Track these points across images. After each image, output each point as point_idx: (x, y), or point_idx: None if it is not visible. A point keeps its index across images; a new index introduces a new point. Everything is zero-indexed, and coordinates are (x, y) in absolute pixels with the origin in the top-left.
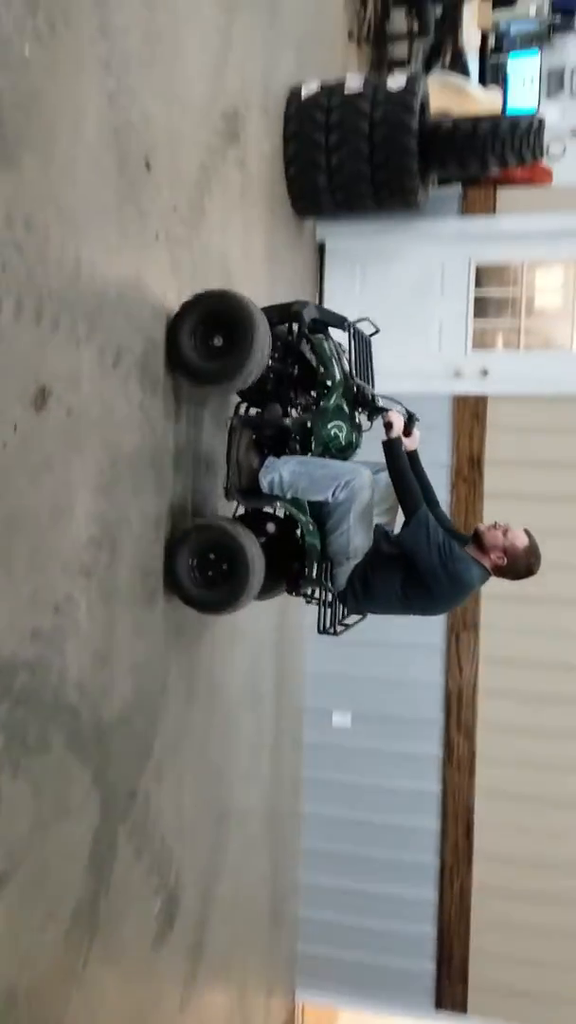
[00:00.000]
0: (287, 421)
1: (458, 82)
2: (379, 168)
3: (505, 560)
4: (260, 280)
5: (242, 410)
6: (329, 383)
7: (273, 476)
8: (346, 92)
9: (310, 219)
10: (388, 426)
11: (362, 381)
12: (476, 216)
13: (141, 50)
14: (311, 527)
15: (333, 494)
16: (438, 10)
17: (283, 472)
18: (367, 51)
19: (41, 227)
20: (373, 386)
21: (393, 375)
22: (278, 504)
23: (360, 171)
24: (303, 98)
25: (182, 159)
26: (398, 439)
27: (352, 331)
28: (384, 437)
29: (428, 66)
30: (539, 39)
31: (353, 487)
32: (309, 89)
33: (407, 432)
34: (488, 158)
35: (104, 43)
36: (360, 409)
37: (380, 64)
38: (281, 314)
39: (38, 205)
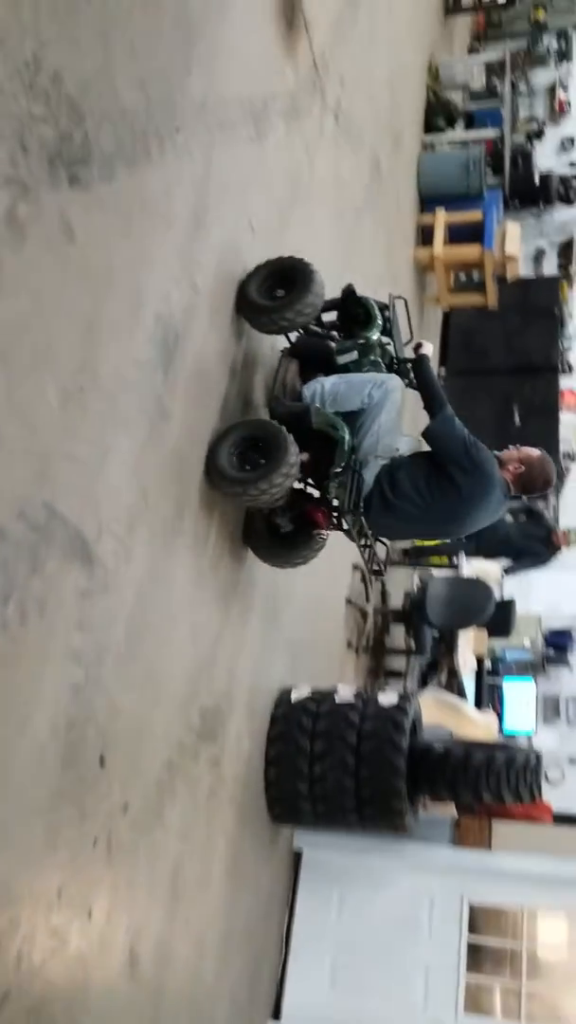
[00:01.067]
0: (332, 344)
1: (454, 701)
2: (364, 783)
3: (522, 467)
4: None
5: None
6: (370, 325)
7: (315, 387)
8: (336, 700)
9: (288, 826)
10: (419, 345)
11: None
12: (470, 849)
13: (122, 644)
14: (343, 426)
15: (369, 394)
16: (435, 632)
17: (324, 383)
18: (364, 659)
19: None
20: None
21: None
22: (313, 419)
23: (344, 784)
24: (292, 701)
25: (145, 755)
26: (426, 356)
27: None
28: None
29: (424, 681)
30: (533, 668)
31: (387, 387)
32: (300, 693)
33: (416, 349)
34: (482, 791)
35: (80, 635)
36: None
37: (376, 672)
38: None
39: None
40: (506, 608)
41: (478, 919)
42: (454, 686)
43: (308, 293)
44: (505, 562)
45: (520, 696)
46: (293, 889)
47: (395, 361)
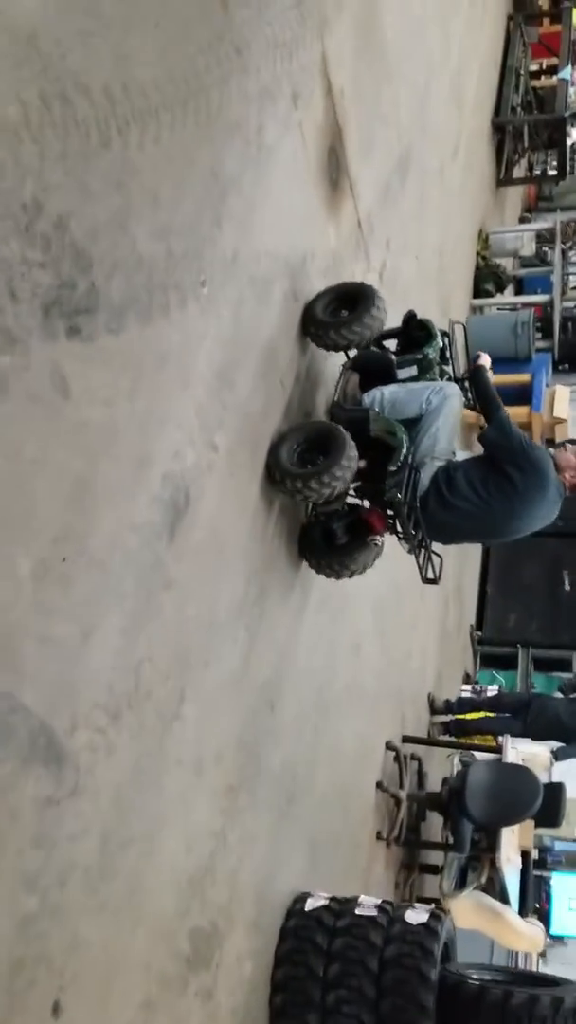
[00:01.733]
0: (393, 357)
1: (495, 907)
2: (385, 1021)
3: None
4: None
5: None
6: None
7: (375, 394)
8: (357, 912)
9: None
10: (477, 357)
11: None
12: None
13: (94, 859)
14: (402, 431)
15: (427, 399)
16: (475, 827)
17: (384, 390)
18: (396, 851)
19: None
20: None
21: None
22: (372, 425)
23: (362, 1021)
24: (306, 910)
25: (116, 995)
26: (483, 366)
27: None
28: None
29: (463, 880)
30: None
31: (445, 392)
32: (315, 902)
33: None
34: None
35: (37, 854)
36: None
37: (411, 866)
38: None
39: None
40: (555, 794)
41: None
42: (496, 884)
43: (371, 309)
44: (555, 745)
45: (570, 893)
46: None
47: (454, 380)
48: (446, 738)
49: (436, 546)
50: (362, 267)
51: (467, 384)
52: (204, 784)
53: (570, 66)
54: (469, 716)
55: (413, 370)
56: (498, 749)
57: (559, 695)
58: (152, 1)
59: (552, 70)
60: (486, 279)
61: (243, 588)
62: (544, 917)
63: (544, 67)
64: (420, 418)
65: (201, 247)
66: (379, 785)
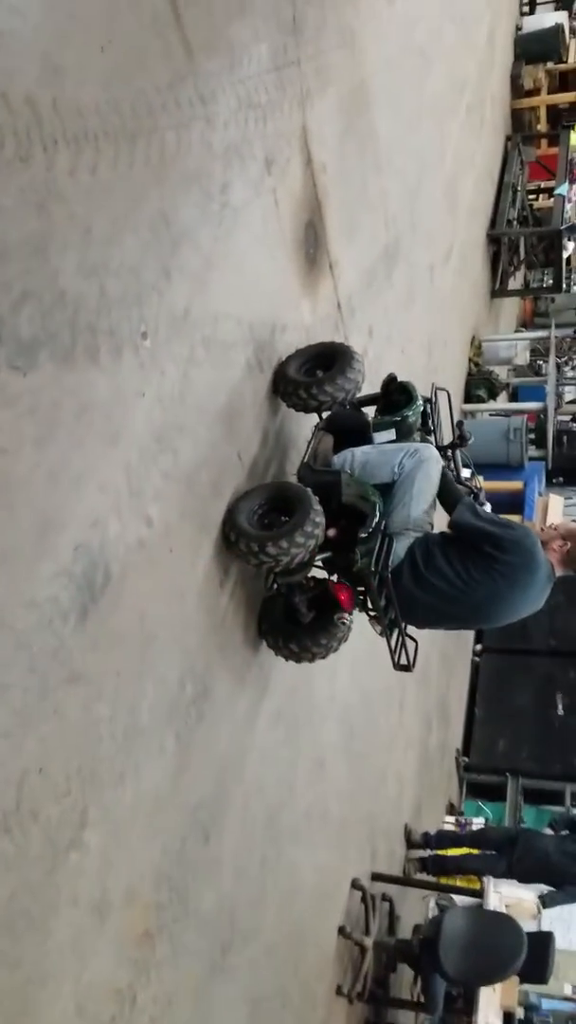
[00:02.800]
0: (369, 419)
1: None
2: None
3: (568, 544)
4: None
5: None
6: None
7: (346, 456)
8: None
9: None
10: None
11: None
12: None
13: None
14: (375, 494)
15: (400, 463)
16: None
17: (355, 452)
18: (360, 1009)
19: None
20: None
21: None
22: (344, 490)
23: None
24: None
25: None
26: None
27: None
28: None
29: None
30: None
31: (421, 455)
32: None
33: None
34: None
35: None
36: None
37: None
38: None
39: None
40: (542, 945)
41: None
42: None
43: (347, 369)
44: (543, 888)
45: None
46: None
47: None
48: (423, 876)
49: (413, 630)
50: None
51: (448, 453)
52: (108, 929)
53: (567, 183)
54: (449, 852)
55: (391, 434)
56: (481, 892)
57: (549, 831)
58: (98, 20)
59: (549, 191)
60: (478, 385)
61: (177, 686)
62: None
63: (542, 188)
64: (393, 483)
65: (143, 295)
66: (342, 931)
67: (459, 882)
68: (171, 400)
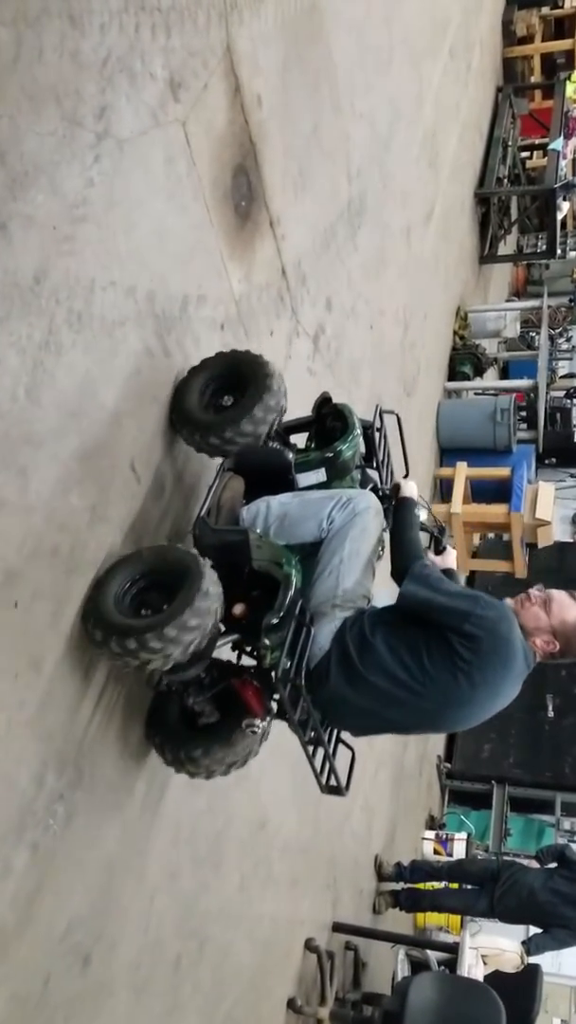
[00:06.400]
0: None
1: None
2: None
3: (558, 646)
4: None
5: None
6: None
7: (259, 506)
8: None
9: None
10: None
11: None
12: None
13: None
14: (293, 562)
15: (328, 517)
16: None
17: (271, 502)
18: None
19: None
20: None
21: None
22: (254, 553)
23: None
24: None
25: None
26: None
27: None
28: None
29: None
30: None
31: (355, 506)
32: None
33: (437, 551)
34: None
35: None
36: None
37: None
38: None
39: None
40: (530, 980)
41: None
42: None
43: (265, 395)
44: (532, 930)
45: None
46: None
47: (379, 494)
48: (395, 911)
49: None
50: (286, 327)
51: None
52: None
53: (562, 137)
54: (424, 886)
55: (320, 475)
56: (454, 948)
57: (534, 864)
58: None
59: (543, 148)
60: (463, 361)
61: (32, 783)
62: None
63: (536, 144)
64: (320, 543)
65: None
66: (291, 1004)
67: (432, 920)
68: (13, 403)
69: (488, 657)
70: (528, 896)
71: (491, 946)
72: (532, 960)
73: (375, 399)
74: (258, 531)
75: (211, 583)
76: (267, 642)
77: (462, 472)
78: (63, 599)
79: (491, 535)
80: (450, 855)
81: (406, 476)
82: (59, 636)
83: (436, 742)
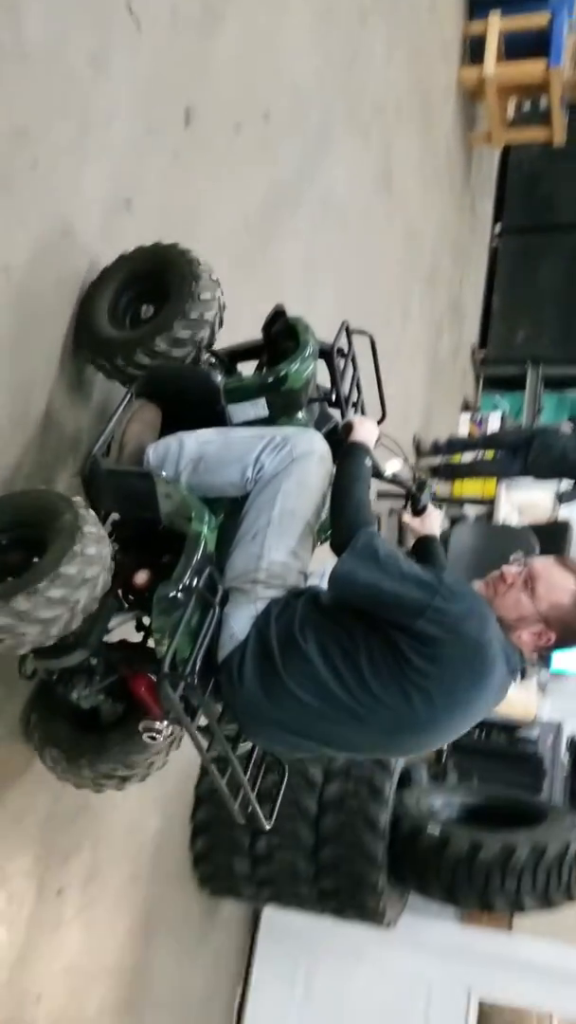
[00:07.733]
0: (219, 380)
1: None
2: (325, 871)
3: (552, 637)
4: None
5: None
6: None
7: (170, 443)
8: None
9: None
10: (348, 426)
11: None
12: (482, 929)
13: None
14: (206, 517)
15: (256, 463)
16: None
17: (185, 439)
18: None
19: None
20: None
21: None
22: (161, 503)
23: (298, 868)
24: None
25: None
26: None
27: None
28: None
29: None
30: None
31: (292, 451)
32: None
33: (415, 511)
34: (493, 898)
35: None
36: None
37: None
38: None
39: None
40: (561, 532)
41: (489, 1021)
42: None
43: (190, 300)
44: (563, 484)
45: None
46: (249, 959)
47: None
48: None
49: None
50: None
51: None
52: None
53: None
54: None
55: (261, 407)
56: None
57: (566, 430)
58: None
59: None
60: None
61: None
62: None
63: None
64: (243, 499)
65: None
66: None
67: (469, 491)
68: None
69: (451, 668)
70: (560, 455)
71: (524, 499)
72: (563, 511)
73: None
74: (165, 475)
75: (90, 542)
76: (155, 624)
77: (495, 26)
78: None
79: (527, 103)
80: (484, 433)
81: (382, 419)
82: None
83: (471, 331)
